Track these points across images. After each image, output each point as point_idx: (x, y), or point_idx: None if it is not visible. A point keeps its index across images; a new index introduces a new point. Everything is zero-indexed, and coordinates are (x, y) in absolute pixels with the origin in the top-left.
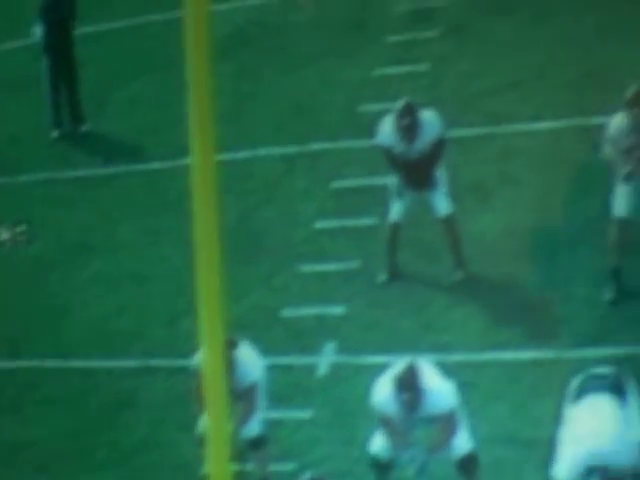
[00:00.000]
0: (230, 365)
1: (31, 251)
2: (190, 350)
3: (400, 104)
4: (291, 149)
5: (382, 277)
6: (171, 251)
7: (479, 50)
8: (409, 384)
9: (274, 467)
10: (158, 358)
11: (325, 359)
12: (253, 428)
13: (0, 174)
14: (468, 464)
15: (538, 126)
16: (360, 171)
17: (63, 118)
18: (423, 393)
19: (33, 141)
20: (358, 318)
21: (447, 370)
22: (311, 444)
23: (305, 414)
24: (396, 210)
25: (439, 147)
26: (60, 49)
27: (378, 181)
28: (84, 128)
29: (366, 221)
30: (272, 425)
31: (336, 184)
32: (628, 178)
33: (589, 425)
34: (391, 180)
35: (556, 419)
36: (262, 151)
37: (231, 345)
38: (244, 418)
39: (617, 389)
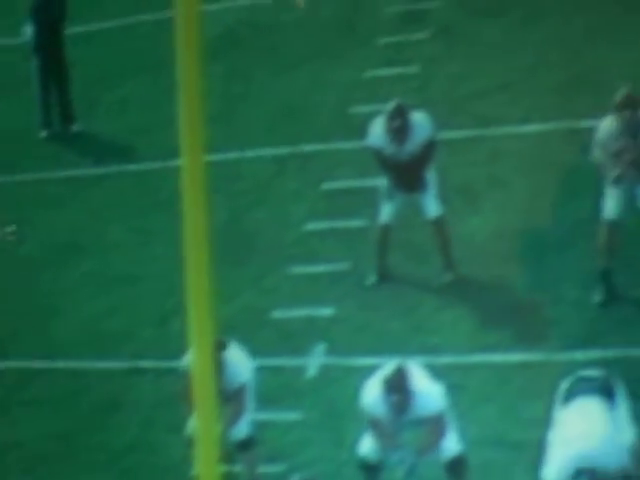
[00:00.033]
0: (219, 366)
1: (21, 251)
2: (180, 351)
3: (391, 106)
4: (282, 150)
5: (372, 279)
6: (162, 252)
7: (469, 52)
8: (398, 386)
9: (263, 468)
10: (148, 359)
11: (315, 360)
12: (242, 429)
13: None
14: (457, 466)
15: (527, 129)
16: (351, 173)
17: (53, 118)
18: (412, 395)
19: (23, 141)
20: (348, 320)
21: (436, 372)
22: (300, 445)
23: (294, 415)
24: (386, 212)
25: (429, 149)
26: (50, 49)
27: (368, 183)
28: (75, 128)
29: (356, 223)
30: (261, 426)
31: (327, 185)
32: (617, 181)
33: (578, 427)
34: (381, 182)
35: (545, 421)
36: (252, 152)
37: (220, 346)
38: (233, 419)
39: (606, 392)
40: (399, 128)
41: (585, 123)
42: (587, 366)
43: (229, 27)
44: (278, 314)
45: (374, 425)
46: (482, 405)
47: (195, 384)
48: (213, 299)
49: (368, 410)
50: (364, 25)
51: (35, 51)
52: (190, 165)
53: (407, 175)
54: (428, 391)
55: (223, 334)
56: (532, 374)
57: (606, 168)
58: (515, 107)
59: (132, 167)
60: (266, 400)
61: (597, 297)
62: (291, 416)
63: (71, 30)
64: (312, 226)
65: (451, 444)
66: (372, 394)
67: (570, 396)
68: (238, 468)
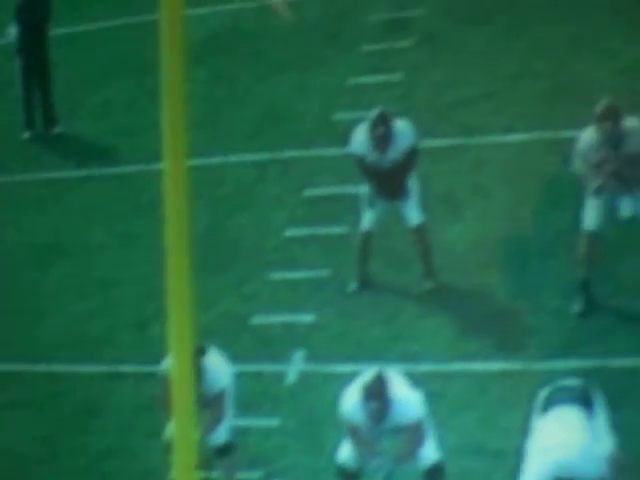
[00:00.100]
0: (199, 371)
1: (1, 253)
2: (160, 356)
3: (374, 113)
4: (263, 156)
5: (352, 286)
6: (142, 256)
7: (453, 60)
8: (377, 393)
9: (241, 475)
10: (128, 363)
11: (294, 367)
12: (221, 435)
13: None
14: (435, 474)
15: (510, 138)
16: (332, 179)
17: (35, 119)
18: (391, 403)
19: (5, 142)
20: (328, 327)
21: (416, 380)
22: (279, 452)
23: (273, 422)
24: (367, 219)
25: (411, 157)
26: (34, 50)
27: (350, 190)
28: (57, 130)
29: (337, 230)
30: (240, 433)
31: (308, 192)
32: (598, 192)
33: (556, 436)
34: (363, 189)
35: (524, 430)
36: (234, 157)
37: (200, 351)
38: (212, 425)
39: (585, 401)
40: (382, 136)
41: (569, 133)
42: (566, 375)
43: (214, 32)
44: (258, 320)
45: (353, 432)
46: (461, 413)
47: (174, 389)
48: (193, 304)
49: (347, 417)
50: (348, 32)
51: (18, 52)
52: (172, 169)
53: (389, 183)
54: (407, 399)
55: (203, 339)
56: (511, 383)
57: (587, 179)
58: (499, 116)
59: (114, 170)
60: (245, 406)
61: (577, 307)
62: (270, 422)
63: (55, 31)
64: (293, 232)
65: (429, 452)
66: (351, 401)
67: (549, 405)
68: (216, 474)
